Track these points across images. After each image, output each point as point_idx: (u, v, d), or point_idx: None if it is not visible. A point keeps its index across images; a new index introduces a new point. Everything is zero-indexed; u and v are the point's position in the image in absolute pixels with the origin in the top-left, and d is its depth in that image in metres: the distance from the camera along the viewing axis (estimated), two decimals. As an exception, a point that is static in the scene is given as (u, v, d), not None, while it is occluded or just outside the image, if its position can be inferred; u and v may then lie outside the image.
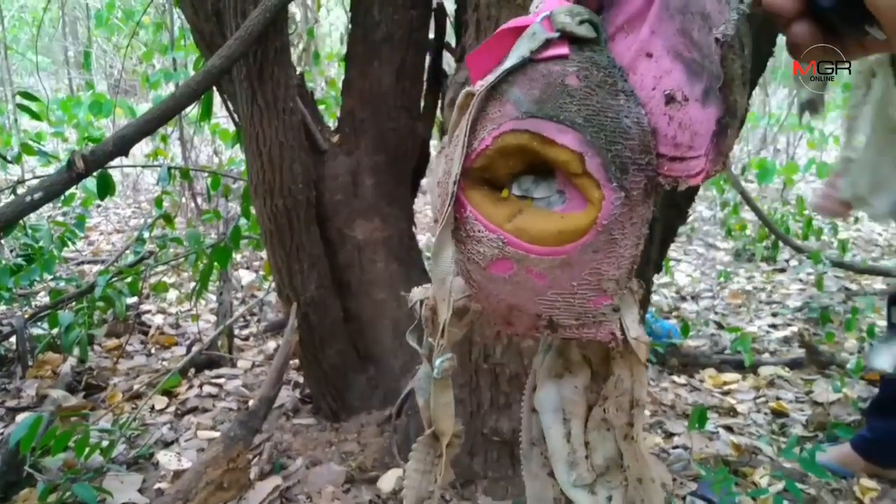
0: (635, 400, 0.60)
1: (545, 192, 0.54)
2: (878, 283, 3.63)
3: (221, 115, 3.47)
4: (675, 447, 1.97)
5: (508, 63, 0.53)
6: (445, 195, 0.56)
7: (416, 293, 0.68)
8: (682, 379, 2.47)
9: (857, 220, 4.66)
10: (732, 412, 2.22)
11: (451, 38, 2.03)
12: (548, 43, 0.52)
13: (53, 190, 1.45)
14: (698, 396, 2.32)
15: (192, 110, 2.78)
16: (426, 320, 0.67)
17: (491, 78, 0.54)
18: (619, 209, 0.51)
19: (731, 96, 0.49)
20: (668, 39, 0.50)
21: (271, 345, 2.76)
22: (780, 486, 1.74)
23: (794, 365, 2.57)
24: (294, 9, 5.56)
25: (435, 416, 0.68)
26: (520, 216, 0.54)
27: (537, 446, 0.67)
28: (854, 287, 3.59)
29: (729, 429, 2.10)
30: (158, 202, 2.94)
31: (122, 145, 1.47)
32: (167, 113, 1.51)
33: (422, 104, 2.02)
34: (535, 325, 0.58)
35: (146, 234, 2.86)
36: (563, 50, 0.52)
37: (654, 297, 3.37)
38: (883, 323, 3.01)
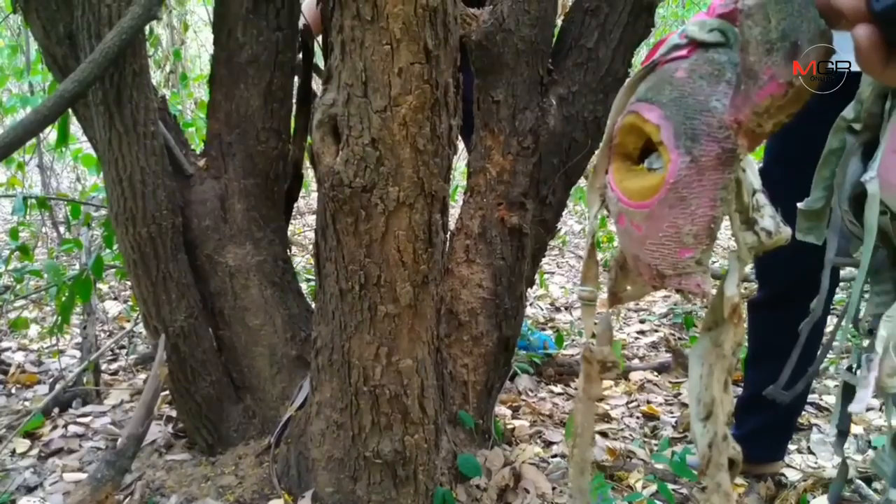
0: (726, 353, 0.73)
1: (660, 164, 0.66)
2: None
3: (84, 140, 3.33)
4: (554, 456, 2.01)
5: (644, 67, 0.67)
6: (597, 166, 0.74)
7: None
8: (558, 388, 2.53)
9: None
10: (607, 418, 2.30)
11: (320, 59, 2.02)
12: (675, 48, 0.65)
13: None
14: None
15: (52, 135, 2.64)
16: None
17: (629, 80, 0.69)
18: (685, 171, 0.62)
19: (748, 57, 0.57)
20: None
21: (142, 378, 2.64)
22: (653, 488, 1.81)
23: (661, 369, 2.69)
24: (160, 30, 5.40)
25: (586, 333, 0.85)
26: (629, 179, 0.68)
27: None
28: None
29: (604, 434, 2.18)
30: (14, 233, 2.77)
31: (-34, 175, 1.37)
32: (16, 141, 1.42)
33: (292, 126, 2.00)
34: (652, 275, 0.70)
35: (1, 268, 2.68)
36: (683, 53, 0.64)
37: (530, 310, 3.45)
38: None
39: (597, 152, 0.76)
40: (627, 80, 0.70)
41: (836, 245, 1.01)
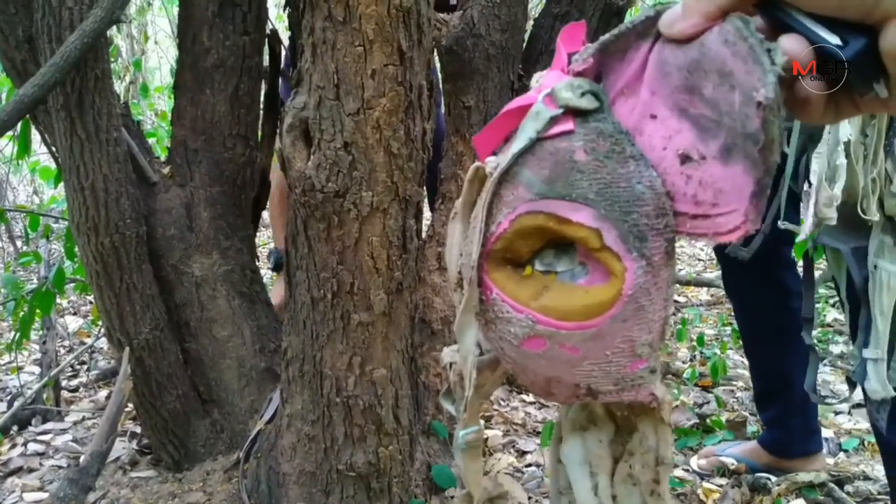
0: (660, 458, 0.61)
1: (567, 265, 0.56)
2: (704, 295, 3.89)
3: (41, 152, 3.26)
4: (529, 465, 1.99)
5: (517, 146, 0.54)
6: (467, 278, 0.58)
7: (447, 355, 0.68)
8: (530, 397, 2.52)
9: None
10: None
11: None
12: (553, 120, 0.53)
13: None
14: (547, 413, 2.37)
15: (7, 147, 2.57)
16: (454, 385, 0.67)
17: (504, 163, 0.55)
18: (643, 277, 0.52)
19: (770, 157, 0.48)
20: (671, 98, 0.50)
21: (104, 394, 2.58)
22: None
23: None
24: (120, 41, 5.32)
25: (465, 481, 0.68)
26: (546, 293, 0.55)
27: (565, 496, 0.67)
28: (682, 300, 3.82)
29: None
30: (-32, 247, 2.69)
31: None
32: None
33: (259, 132, 1.97)
34: (576, 394, 0.58)
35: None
36: (569, 126, 0.52)
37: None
38: (711, 332, 3.22)
39: (455, 260, 0.61)
40: (493, 162, 0.57)
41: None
